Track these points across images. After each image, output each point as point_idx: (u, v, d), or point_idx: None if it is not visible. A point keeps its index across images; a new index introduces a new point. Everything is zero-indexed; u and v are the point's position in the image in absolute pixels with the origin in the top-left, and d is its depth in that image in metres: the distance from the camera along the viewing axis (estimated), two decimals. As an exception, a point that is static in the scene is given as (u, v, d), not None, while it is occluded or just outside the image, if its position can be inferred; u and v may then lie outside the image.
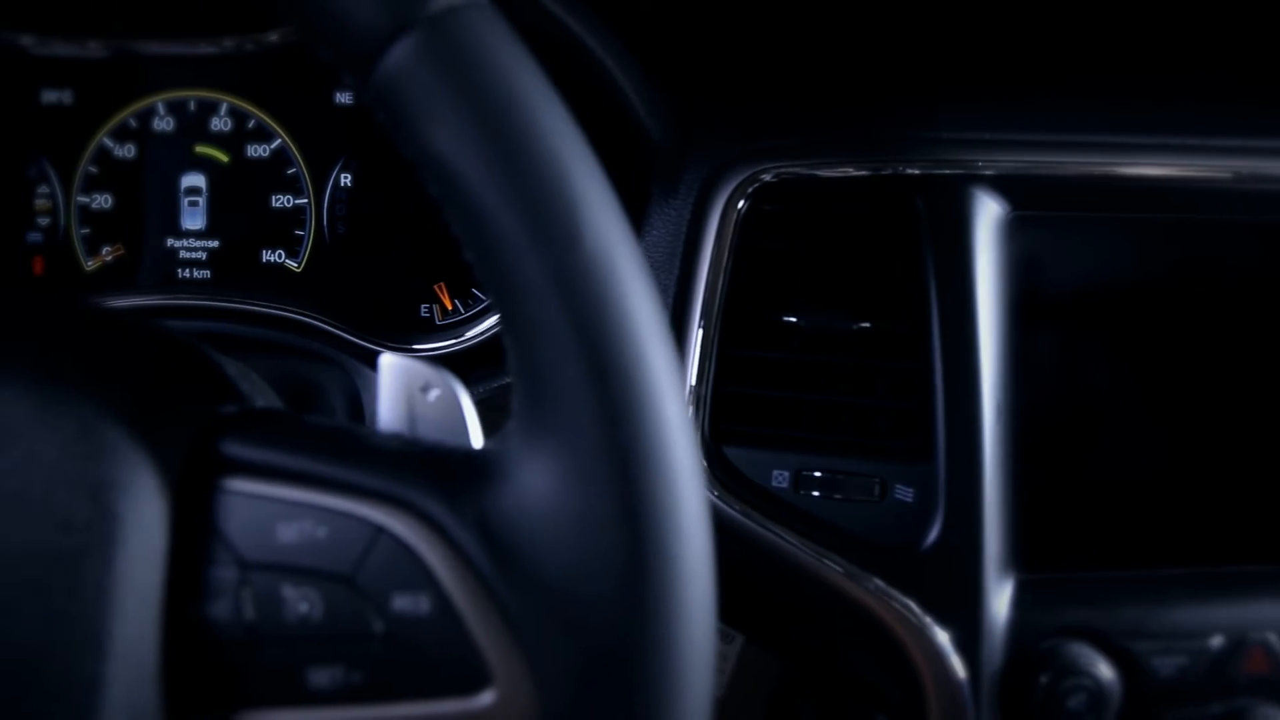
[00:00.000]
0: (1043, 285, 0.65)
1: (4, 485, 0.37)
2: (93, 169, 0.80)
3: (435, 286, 0.79)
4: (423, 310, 0.80)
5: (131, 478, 0.38)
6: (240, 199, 0.80)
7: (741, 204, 0.66)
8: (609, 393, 0.36)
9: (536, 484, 0.37)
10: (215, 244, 0.80)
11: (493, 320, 0.75)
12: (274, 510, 0.39)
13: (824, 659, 0.67)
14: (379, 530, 0.38)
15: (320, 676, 0.38)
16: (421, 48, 0.37)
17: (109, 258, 0.80)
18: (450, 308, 0.79)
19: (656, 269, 0.69)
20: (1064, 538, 0.65)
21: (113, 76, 0.79)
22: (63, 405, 0.38)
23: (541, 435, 0.37)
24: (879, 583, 0.62)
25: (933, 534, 0.62)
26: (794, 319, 0.66)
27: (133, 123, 0.79)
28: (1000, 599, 0.63)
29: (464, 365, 0.74)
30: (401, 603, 0.38)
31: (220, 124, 0.79)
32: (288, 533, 0.39)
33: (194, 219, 0.80)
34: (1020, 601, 0.64)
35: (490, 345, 0.75)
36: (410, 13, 0.37)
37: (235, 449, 0.40)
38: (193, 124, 0.79)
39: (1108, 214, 0.64)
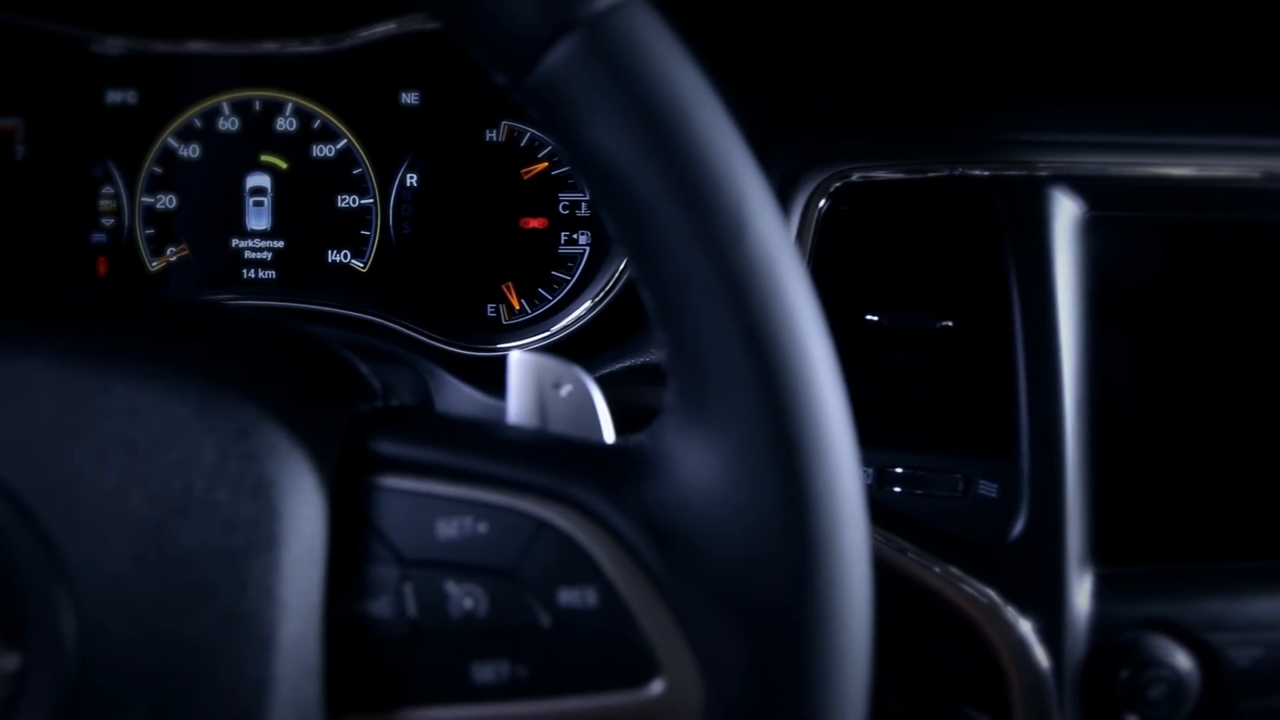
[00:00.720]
0: (1118, 283, 0.65)
1: (167, 486, 0.37)
2: (157, 169, 0.79)
3: (504, 286, 0.79)
4: (489, 310, 0.79)
5: (291, 477, 0.38)
6: (305, 199, 0.79)
7: (822, 204, 0.66)
8: (775, 386, 0.36)
9: (698, 476, 0.37)
10: (280, 244, 0.79)
11: (570, 319, 0.74)
12: (432, 507, 0.39)
13: (909, 653, 0.67)
14: (542, 525, 0.38)
15: (485, 672, 0.38)
16: (584, 48, 0.37)
17: (173, 258, 0.79)
18: (518, 307, 0.79)
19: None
20: (1141, 532, 0.65)
21: (177, 76, 0.79)
22: (220, 406, 0.38)
23: (702, 428, 0.37)
24: (962, 575, 0.63)
25: (1017, 528, 0.63)
26: (877, 318, 0.66)
27: (197, 123, 0.79)
28: (1081, 592, 0.64)
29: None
30: (568, 597, 0.38)
31: (285, 124, 0.79)
32: (448, 529, 0.39)
33: (259, 219, 0.79)
34: (1100, 594, 0.64)
35: (566, 344, 0.74)
36: (572, 14, 0.37)
37: (387, 446, 0.40)
38: (258, 124, 0.79)
39: (1183, 215, 0.65)
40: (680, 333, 0.38)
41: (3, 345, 0.38)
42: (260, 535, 0.37)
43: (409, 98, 0.79)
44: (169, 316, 0.43)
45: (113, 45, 0.75)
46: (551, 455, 0.40)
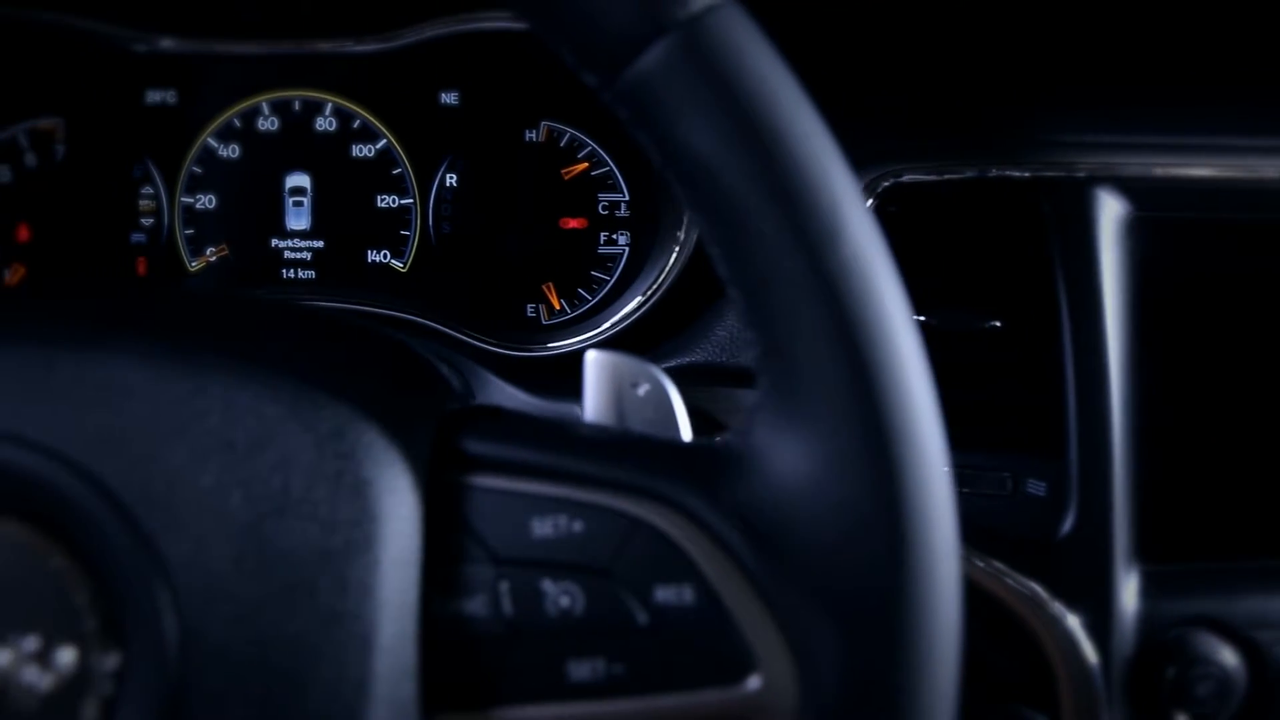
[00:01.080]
0: (1163, 283, 0.66)
1: (266, 485, 0.37)
2: (197, 169, 0.79)
3: (544, 286, 0.79)
4: (529, 310, 0.79)
5: (387, 476, 0.38)
6: (345, 199, 0.79)
7: (870, 204, 0.66)
8: (870, 385, 0.36)
9: (790, 473, 0.37)
10: (320, 244, 0.79)
11: (617, 317, 0.74)
12: (527, 506, 0.39)
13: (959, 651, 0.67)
14: (637, 523, 0.38)
15: (581, 669, 0.38)
16: (679, 51, 0.37)
17: (213, 258, 0.79)
18: (558, 307, 0.79)
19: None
20: (1186, 529, 0.66)
21: (216, 76, 0.78)
22: (314, 406, 0.38)
23: (794, 425, 0.37)
24: (1010, 572, 0.63)
25: (1066, 526, 0.63)
26: (925, 319, 0.66)
27: (237, 123, 0.79)
28: (1128, 589, 0.64)
29: (575, 368, 0.74)
30: (664, 594, 0.38)
31: (325, 124, 0.79)
32: (543, 528, 0.39)
33: (299, 219, 0.79)
34: (1146, 592, 0.64)
35: (614, 343, 0.74)
36: (668, 18, 0.37)
37: (477, 446, 0.40)
38: (297, 124, 0.79)
39: (1227, 215, 0.66)
40: (773, 332, 0.38)
41: (96, 347, 0.38)
42: (359, 534, 0.37)
43: (448, 98, 0.79)
44: (254, 316, 0.43)
45: (153, 45, 0.75)
46: (643, 454, 0.40)
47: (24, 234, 0.79)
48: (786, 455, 0.38)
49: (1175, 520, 0.66)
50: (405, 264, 0.79)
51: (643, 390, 0.45)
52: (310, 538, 0.37)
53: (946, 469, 0.37)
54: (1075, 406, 0.64)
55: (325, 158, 0.79)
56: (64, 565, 0.36)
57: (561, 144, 0.79)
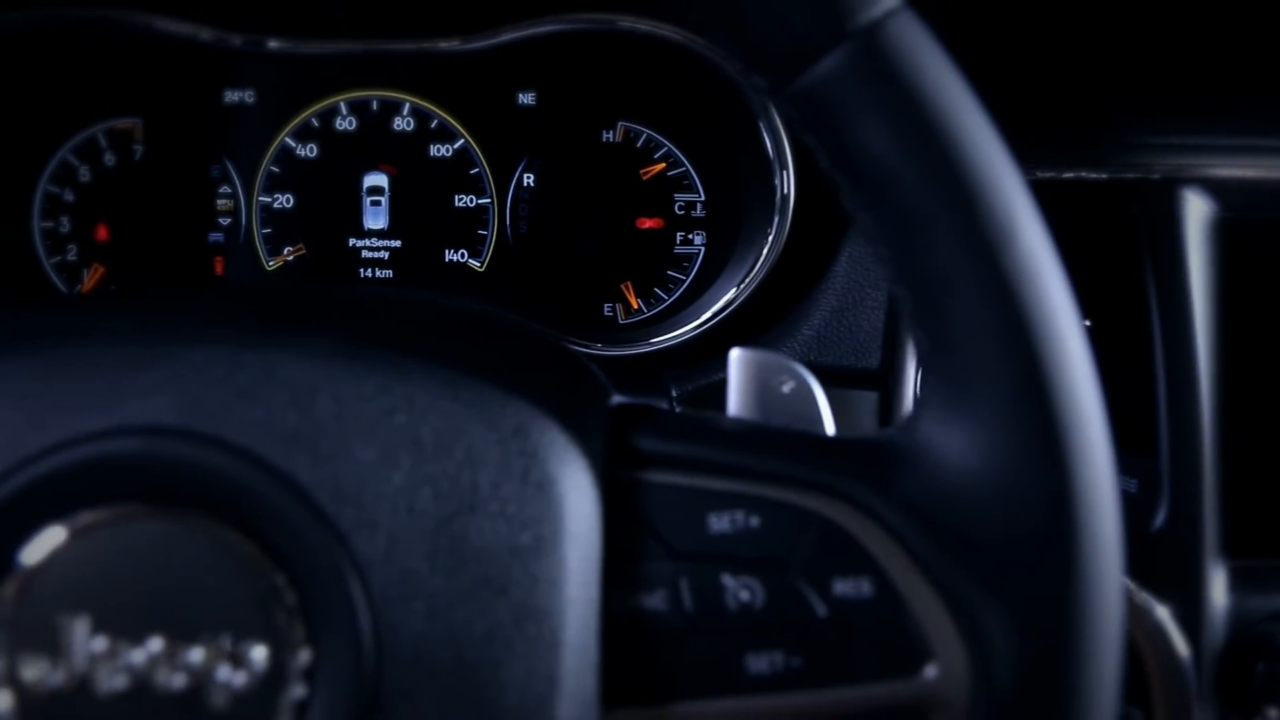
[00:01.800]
0: (1251, 282, 0.67)
1: (455, 483, 0.37)
2: (274, 169, 0.79)
3: (622, 286, 0.79)
4: (606, 309, 0.80)
5: (568, 473, 0.38)
6: (423, 199, 0.79)
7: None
8: (1041, 381, 0.37)
9: (960, 466, 0.38)
10: (398, 244, 0.79)
11: (691, 325, 0.75)
12: (703, 501, 0.39)
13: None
14: (814, 518, 0.39)
15: (759, 663, 0.38)
16: (857, 57, 0.37)
17: (290, 257, 0.79)
18: (636, 307, 0.80)
19: (866, 280, 0.70)
20: (1274, 525, 0.67)
21: (294, 76, 0.78)
22: (496, 404, 0.38)
23: (963, 420, 0.38)
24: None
25: (1158, 521, 0.64)
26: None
27: (315, 122, 0.79)
28: (1218, 585, 0.65)
29: (658, 366, 0.75)
30: (843, 587, 0.38)
31: (403, 124, 0.79)
32: (719, 523, 0.39)
33: (376, 219, 0.79)
34: (1235, 587, 0.66)
35: (684, 349, 0.75)
36: (846, 25, 0.37)
37: (649, 443, 0.40)
38: (375, 124, 0.79)
39: (1314, 215, 0.67)
40: (943, 330, 0.39)
41: (280, 346, 0.38)
42: (546, 531, 0.38)
43: (526, 98, 0.79)
44: (418, 312, 0.43)
45: (232, 44, 0.75)
46: (814, 450, 0.40)
47: (103, 234, 0.79)
48: (956, 449, 0.38)
49: (1264, 516, 0.67)
50: (482, 264, 0.80)
51: (788, 387, 0.46)
52: (500, 535, 0.37)
53: (1113, 463, 0.38)
54: (1165, 404, 0.65)
55: (403, 157, 0.79)
56: (258, 563, 0.36)
57: (638, 144, 0.80)
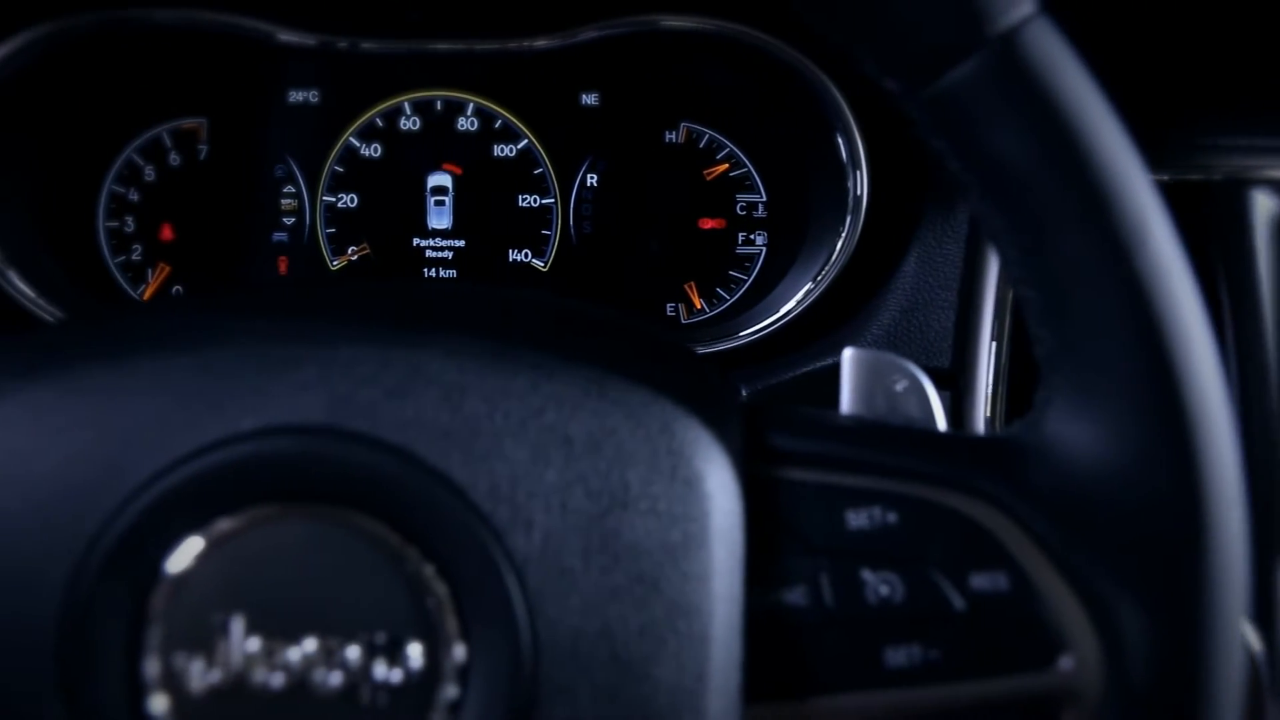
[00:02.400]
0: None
1: (606, 480, 0.38)
2: (339, 168, 0.79)
3: (685, 286, 0.80)
4: (669, 309, 0.81)
5: (713, 470, 0.39)
6: (486, 199, 0.80)
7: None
8: (1170, 379, 0.38)
9: (1089, 461, 0.39)
10: (461, 244, 0.80)
11: (761, 325, 0.76)
12: (841, 498, 0.40)
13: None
14: (950, 513, 0.40)
15: (897, 656, 0.39)
16: (993, 63, 0.38)
17: (354, 257, 0.80)
18: (699, 307, 0.81)
19: (935, 280, 0.71)
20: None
21: (359, 76, 0.79)
22: (643, 403, 0.39)
23: (1093, 416, 0.39)
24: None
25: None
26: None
27: (379, 122, 0.79)
28: (1289, 580, 0.67)
29: (723, 366, 0.75)
30: (979, 581, 0.39)
31: (466, 124, 0.80)
32: (858, 519, 0.40)
33: (440, 218, 0.80)
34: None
35: (752, 349, 0.76)
36: (982, 31, 0.38)
37: (784, 440, 0.41)
38: (439, 124, 0.80)
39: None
40: (1072, 329, 0.40)
41: (429, 345, 0.39)
42: (695, 529, 0.39)
43: (589, 98, 0.80)
44: (557, 315, 0.44)
45: (296, 42, 0.76)
46: (946, 448, 0.41)
47: (167, 234, 0.79)
48: (1085, 445, 0.39)
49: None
50: (546, 263, 0.80)
51: (901, 386, 0.47)
52: (651, 531, 0.38)
53: (1239, 457, 0.40)
54: (1239, 402, 0.66)
55: (467, 157, 0.80)
56: (413, 561, 0.37)
57: (700, 145, 0.81)
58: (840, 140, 0.72)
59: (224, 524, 0.37)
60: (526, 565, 0.38)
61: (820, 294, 0.73)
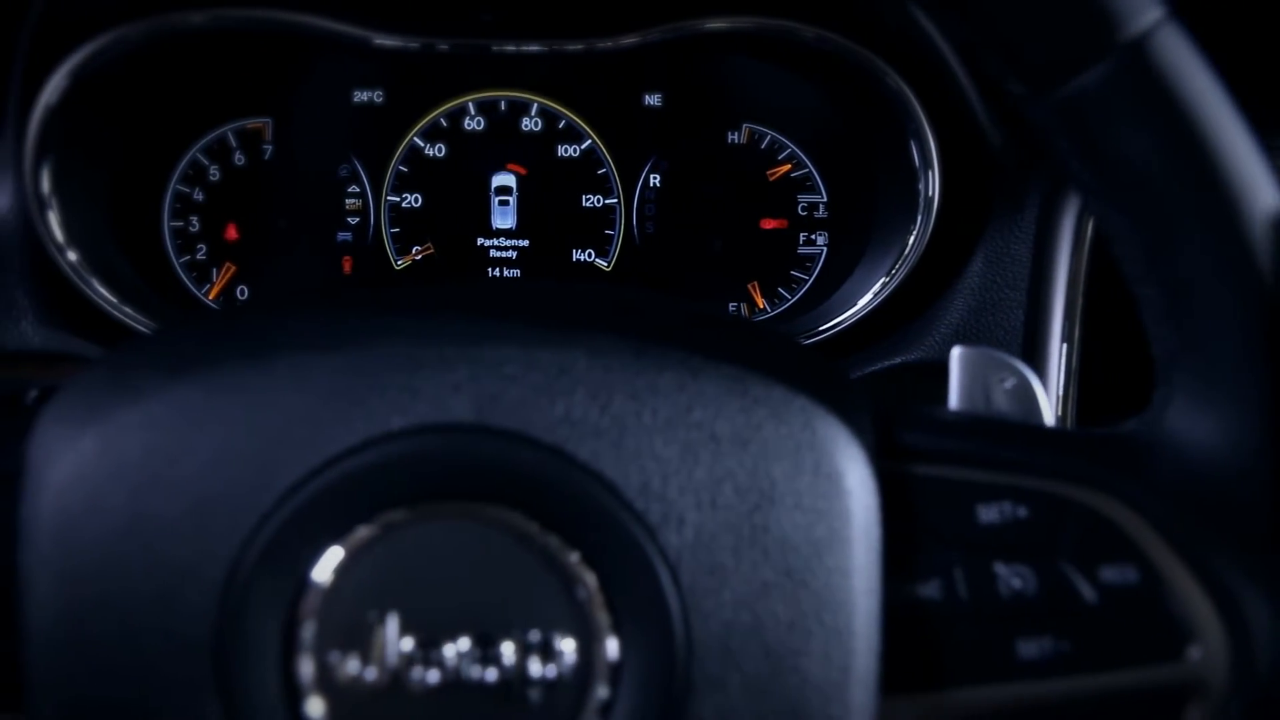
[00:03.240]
0: None
1: (754, 476, 0.40)
2: (403, 168, 0.81)
3: (749, 286, 0.82)
4: (731, 308, 0.82)
5: (852, 467, 0.41)
6: (550, 199, 0.81)
7: (1092, 225, 0.70)
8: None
9: (1212, 456, 0.41)
10: (525, 244, 0.82)
11: (830, 324, 0.77)
12: (971, 493, 0.42)
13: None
14: (1079, 508, 0.41)
15: (1030, 648, 0.41)
16: (1123, 70, 0.40)
17: (418, 257, 0.81)
18: (761, 306, 0.82)
19: (1003, 280, 0.73)
20: None
21: (423, 76, 0.80)
22: (784, 401, 0.41)
23: (1215, 413, 0.41)
24: None
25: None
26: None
27: (443, 122, 0.81)
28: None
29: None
30: (1110, 573, 0.41)
31: (530, 124, 0.81)
32: (989, 514, 0.42)
33: (504, 218, 0.81)
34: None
35: (824, 346, 0.77)
36: (1113, 38, 0.40)
37: (915, 438, 0.43)
38: (503, 124, 0.81)
39: None
40: (1195, 329, 0.41)
41: (574, 345, 0.40)
42: (837, 523, 0.40)
43: (652, 99, 0.81)
44: (693, 318, 0.45)
45: (369, 42, 0.77)
46: (1070, 444, 0.43)
47: (232, 233, 0.80)
48: (1208, 440, 0.41)
49: None
50: (609, 263, 0.82)
51: (1009, 384, 0.49)
52: (798, 526, 0.39)
53: None
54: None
55: (531, 157, 0.81)
56: (566, 558, 0.38)
57: (762, 146, 0.82)
58: (913, 141, 0.73)
59: (377, 523, 0.39)
60: (680, 561, 0.39)
61: (890, 293, 0.74)
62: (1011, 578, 0.42)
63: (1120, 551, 0.42)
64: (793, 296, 0.82)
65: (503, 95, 0.81)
